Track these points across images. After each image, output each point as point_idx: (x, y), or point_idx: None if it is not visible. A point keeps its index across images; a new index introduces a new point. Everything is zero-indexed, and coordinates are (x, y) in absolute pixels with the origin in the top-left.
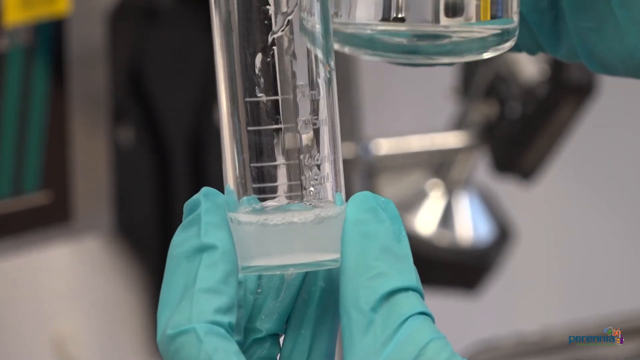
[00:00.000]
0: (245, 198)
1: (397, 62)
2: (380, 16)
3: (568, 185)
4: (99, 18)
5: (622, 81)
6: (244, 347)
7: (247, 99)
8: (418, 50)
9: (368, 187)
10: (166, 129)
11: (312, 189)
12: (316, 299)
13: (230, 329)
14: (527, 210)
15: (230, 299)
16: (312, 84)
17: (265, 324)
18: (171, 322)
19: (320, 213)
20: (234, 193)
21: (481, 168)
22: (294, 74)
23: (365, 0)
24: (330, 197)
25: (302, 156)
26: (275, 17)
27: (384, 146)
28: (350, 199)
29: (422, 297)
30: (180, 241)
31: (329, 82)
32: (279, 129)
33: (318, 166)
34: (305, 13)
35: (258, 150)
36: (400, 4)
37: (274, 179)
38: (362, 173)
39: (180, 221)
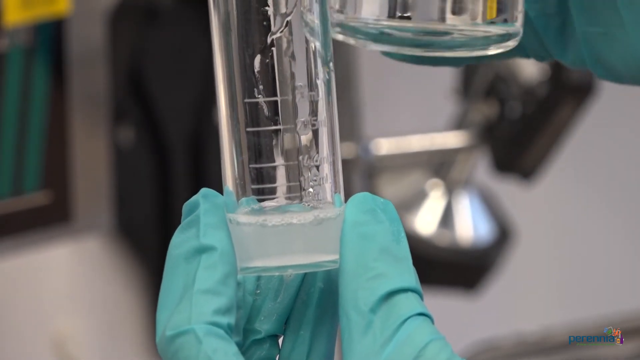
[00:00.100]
0: (244, 199)
1: (401, 58)
2: (385, 14)
3: (568, 186)
4: (99, 18)
5: None
6: (243, 348)
7: (246, 100)
8: (422, 44)
9: (368, 187)
10: (166, 129)
11: (311, 190)
12: (315, 300)
13: (230, 330)
14: (527, 211)
15: (229, 300)
16: (311, 85)
17: (264, 325)
18: (170, 323)
19: (319, 214)
20: (232, 194)
21: (481, 168)
22: (292, 75)
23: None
24: (329, 198)
25: (301, 157)
26: (274, 18)
27: (384, 146)
28: (349, 200)
29: (422, 297)
30: (179, 242)
31: (328, 83)
32: (278, 130)
33: (317, 167)
34: (304, 14)
35: (257, 151)
36: (405, 2)
37: (273, 180)
38: (362, 173)
39: (180, 221)
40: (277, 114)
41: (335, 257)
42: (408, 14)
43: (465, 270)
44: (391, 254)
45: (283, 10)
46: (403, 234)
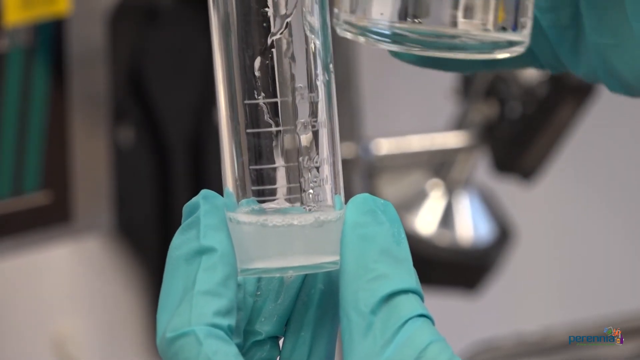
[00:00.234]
0: (244, 200)
1: (408, 60)
2: (397, 16)
3: (568, 186)
4: (99, 18)
5: None
6: (243, 349)
7: (246, 102)
8: (431, 45)
9: (368, 187)
10: (166, 129)
11: (311, 191)
12: (316, 302)
13: (230, 331)
14: (527, 211)
15: (229, 302)
16: (311, 86)
17: (264, 327)
18: (171, 325)
19: (319, 216)
20: (233, 195)
21: (481, 168)
22: (292, 77)
23: (379, 3)
24: (329, 200)
25: (301, 158)
26: (274, 20)
27: (384, 146)
28: (350, 201)
29: (422, 299)
30: (179, 244)
31: (327, 84)
32: (278, 132)
33: (317, 168)
34: (304, 15)
35: (257, 152)
36: (417, 5)
37: (273, 181)
38: (363, 173)
39: (180, 221)
40: (277, 115)
41: (336, 258)
42: (419, 18)
43: (466, 271)
44: (391, 256)
45: (283, 11)
46: (403, 235)
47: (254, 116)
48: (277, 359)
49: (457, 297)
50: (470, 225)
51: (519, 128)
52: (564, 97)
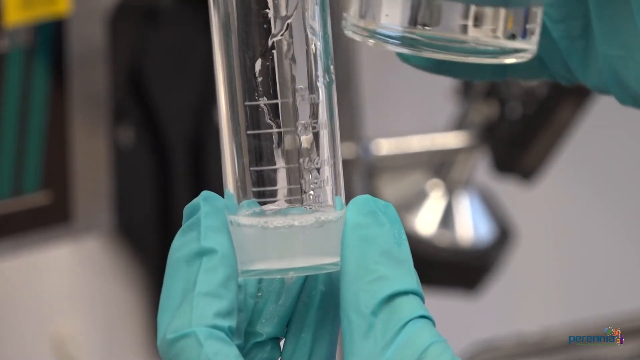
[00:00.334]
0: (245, 202)
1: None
2: (407, 22)
3: (568, 186)
4: (99, 18)
5: None
6: (244, 350)
7: (247, 103)
8: (440, 47)
9: (368, 188)
10: (166, 129)
11: (311, 192)
12: (316, 303)
13: (231, 332)
14: (527, 211)
15: (230, 303)
16: (312, 88)
17: (265, 328)
18: (171, 326)
19: (320, 217)
20: (233, 197)
21: (481, 168)
22: (293, 78)
23: (391, 7)
24: (330, 201)
25: (301, 160)
26: (275, 21)
27: (385, 146)
28: (350, 202)
29: (423, 300)
30: (180, 245)
31: (328, 85)
32: (279, 133)
33: (318, 170)
34: (305, 16)
35: (258, 153)
36: (427, 12)
37: (273, 182)
38: (363, 173)
39: (180, 221)
40: (277, 116)
41: (337, 259)
42: (430, 26)
43: (466, 271)
44: (392, 257)
45: (283, 13)
46: (404, 237)
47: (254, 117)
48: None
49: (457, 298)
50: (470, 226)
51: (519, 128)
52: (564, 97)
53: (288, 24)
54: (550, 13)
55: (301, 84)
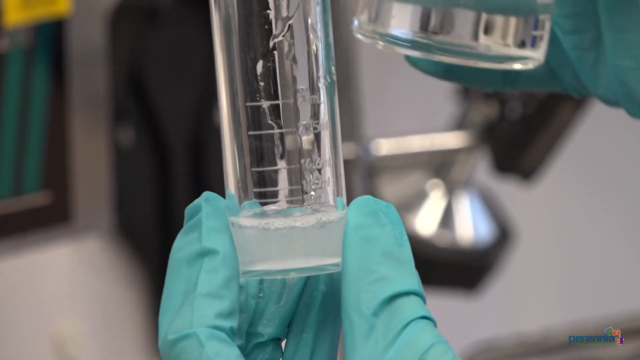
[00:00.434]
0: (246, 202)
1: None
2: (417, 28)
3: (568, 186)
4: (99, 18)
5: None
6: (245, 351)
7: (248, 104)
8: (449, 51)
9: (368, 188)
10: (166, 129)
11: (313, 193)
12: (318, 303)
13: (232, 333)
14: (527, 211)
15: (231, 304)
16: (313, 88)
17: (267, 329)
18: (172, 327)
19: (321, 217)
20: (235, 197)
21: (481, 168)
22: (294, 79)
23: (401, 12)
24: (331, 202)
25: (303, 160)
26: (276, 22)
27: (385, 146)
28: (352, 203)
29: (424, 301)
30: (181, 246)
31: (329, 86)
32: (280, 134)
33: (319, 170)
34: (306, 17)
35: (259, 154)
36: (438, 18)
37: (275, 183)
38: (363, 173)
39: (180, 221)
40: (279, 117)
41: (338, 260)
42: (441, 34)
43: (466, 271)
44: (393, 257)
45: (285, 13)
46: (405, 237)
47: (255, 118)
48: None
49: (457, 298)
50: (470, 226)
51: (519, 128)
52: (563, 97)
53: (289, 24)
54: (561, 24)
55: (302, 84)
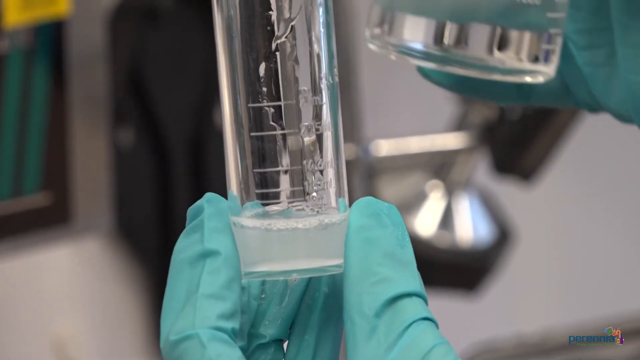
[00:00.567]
0: (248, 203)
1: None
2: (430, 42)
3: (568, 187)
4: (99, 19)
5: None
6: (247, 352)
7: (250, 105)
8: (460, 62)
9: (368, 189)
10: (166, 130)
11: (314, 194)
12: (320, 305)
13: (234, 334)
14: (527, 212)
15: (233, 305)
16: (315, 90)
17: (268, 330)
18: (174, 328)
19: (323, 219)
20: (237, 199)
21: (481, 169)
22: (296, 80)
23: (415, 24)
24: (333, 203)
25: (305, 162)
26: (278, 23)
27: (384, 147)
28: (354, 204)
29: (426, 302)
30: (183, 247)
31: (332, 87)
32: (282, 135)
33: (321, 171)
34: (309, 18)
35: (261, 155)
36: (451, 36)
37: (277, 184)
38: (362, 174)
39: (180, 221)
40: (281, 118)
41: (340, 261)
42: (456, 48)
43: (465, 272)
44: (395, 259)
45: (287, 15)
46: (407, 239)
47: (258, 119)
48: None
49: (457, 299)
50: (470, 227)
51: (518, 129)
52: None
53: (292, 25)
54: (576, 40)
55: (304, 85)
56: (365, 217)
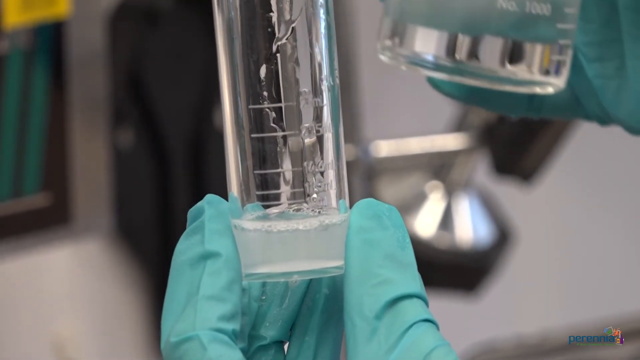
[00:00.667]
0: (249, 205)
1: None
2: (442, 54)
3: (568, 187)
4: (99, 20)
5: None
6: (248, 354)
7: (251, 106)
8: (470, 73)
9: (368, 189)
10: (166, 131)
11: (315, 195)
12: (320, 306)
13: (234, 336)
14: (527, 212)
15: (234, 306)
16: (316, 91)
17: (269, 331)
18: (175, 330)
19: (324, 220)
20: (237, 200)
21: (481, 170)
22: (297, 81)
23: (426, 36)
24: (334, 204)
25: (305, 163)
26: (279, 25)
27: (384, 148)
28: (354, 205)
29: (427, 303)
30: (184, 249)
31: (332, 89)
32: (283, 136)
33: (322, 173)
34: (310, 20)
35: (262, 157)
36: (463, 49)
37: (277, 186)
38: (362, 175)
39: (180, 222)
40: (281, 120)
41: (341, 263)
42: (468, 61)
43: (465, 273)
44: (396, 260)
45: (288, 16)
46: (408, 240)
47: (258, 121)
48: None
49: (457, 300)
50: (470, 228)
51: (518, 130)
52: None
53: (292, 27)
54: (586, 52)
55: (305, 87)
56: (365, 218)
